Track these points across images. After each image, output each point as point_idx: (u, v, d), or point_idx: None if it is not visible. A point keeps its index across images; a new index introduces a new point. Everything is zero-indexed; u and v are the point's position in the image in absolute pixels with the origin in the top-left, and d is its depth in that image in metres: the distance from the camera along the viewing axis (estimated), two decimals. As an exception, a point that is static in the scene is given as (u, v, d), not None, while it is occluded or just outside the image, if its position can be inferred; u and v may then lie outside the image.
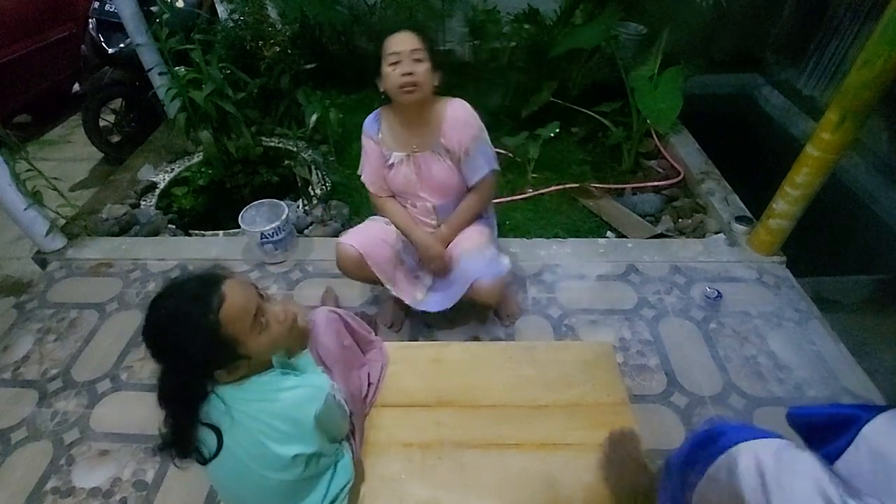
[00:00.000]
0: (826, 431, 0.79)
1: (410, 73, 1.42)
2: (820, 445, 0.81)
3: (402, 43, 1.42)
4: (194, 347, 0.85)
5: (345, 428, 1.17)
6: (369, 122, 1.64)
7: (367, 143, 1.65)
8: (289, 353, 1.07)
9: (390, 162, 1.62)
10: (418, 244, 1.63)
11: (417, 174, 1.61)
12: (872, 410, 0.73)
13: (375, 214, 1.75)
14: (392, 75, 1.44)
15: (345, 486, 1.13)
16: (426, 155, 1.59)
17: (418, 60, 1.43)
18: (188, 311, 0.86)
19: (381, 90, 1.54)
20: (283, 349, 1.03)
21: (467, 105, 1.58)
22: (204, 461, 0.94)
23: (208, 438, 0.92)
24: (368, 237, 1.62)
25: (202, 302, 0.86)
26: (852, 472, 0.70)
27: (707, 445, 0.79)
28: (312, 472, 1.04)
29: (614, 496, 1.16)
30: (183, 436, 0.92)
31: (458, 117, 1.56)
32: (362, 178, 1.69)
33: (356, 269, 1.62)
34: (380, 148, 1.63)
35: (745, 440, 0.74)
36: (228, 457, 0.93)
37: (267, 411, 0.94)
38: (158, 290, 0.91)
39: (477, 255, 1.59)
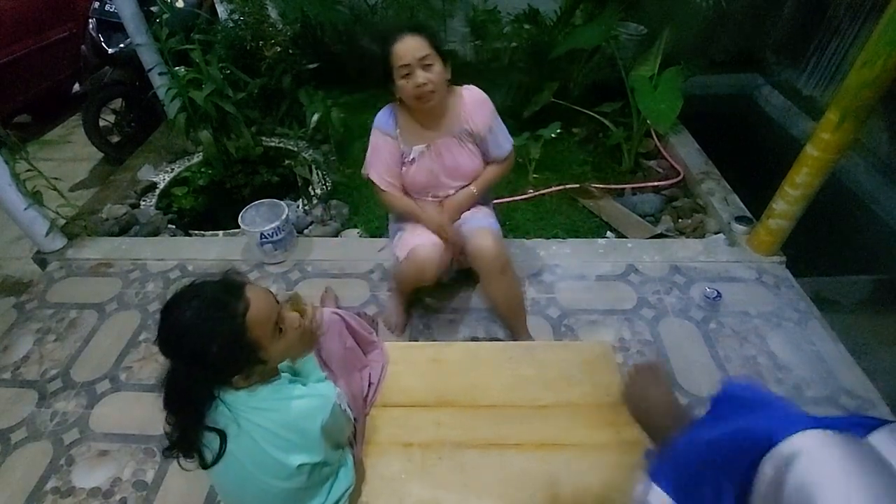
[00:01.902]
0: None
1: (425, 83, 1.40)
2: None
3: (410, 52, 1.38)
4: (217, 351, 0.85)
5: (348, 433, 1.17)
6: (384, 118, 1.59)
7: (379, 139, 1.60)
8: (294, 356, 1.07)
9: (411, 157, 1.61)
10: (428, 223, 1.63)
11: (439, 162, 1.61)
12: (867, 425, 0.70)
13: (376, 213, 1.75)
14: (406, 87, 1.42)
15: (346, 491, 1.14)
16: (447, 140, 1.60)
17: (429, 65, 1.40)
18: (212, 315, 0.85)
19: (397, 97, 1.52)
20: (294, 354, 1.04)
21: (477, 88, 1.61)
22: (206, 466, 0.93)
23: (212, 442, 0.92)
24: (425, 235, 1.61)
25: (228, 306, 0.86)
26: None
27: (742, 446, 0.66)
28: (316, 479, 1.04)
29: (633, 412, 1.01)
30: (187, 438, 0.92)
31: (476, 98, 1.59)
32: (369, 174, 1.64)
33: (430, 269, 1.56)
34: (397, 144, 1.59)
35: (786, 434, 0.61)
36: (233, 463, 0.93)
37: (274, 421, 0.94)
38: (174, 294, 0.90)
39: (477, 215, 1.69)
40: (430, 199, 1.70)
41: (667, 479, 0.78)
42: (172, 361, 0.89)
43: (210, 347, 0.84)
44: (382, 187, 1.64)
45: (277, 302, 0.96)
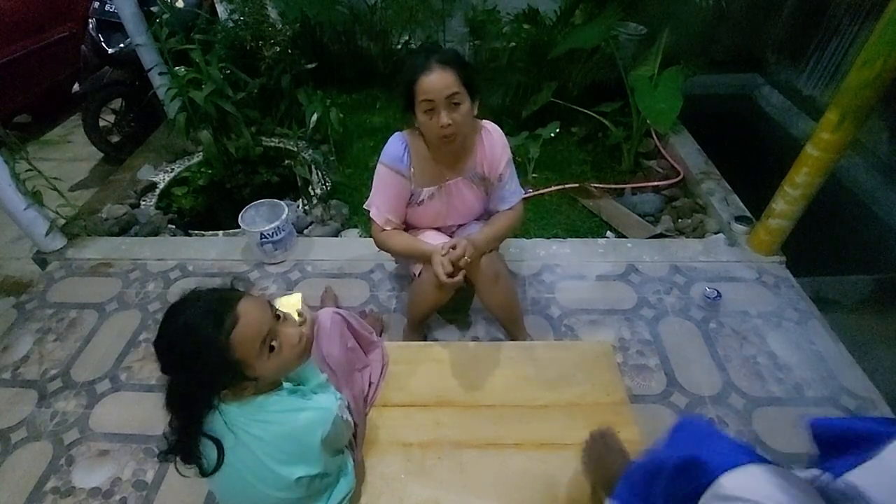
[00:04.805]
0: (846, 444, 0.78)
1: (449, 125, 1.27)
2: (833, 456, 0.81)
3: (437, 87, 1.24)
4: (202, 365, 0.84)
5: (348, 438, 1.17)
6: (395, 153, 1.43)
7: (389, 176, 1.45)
8: (292, 369, 1.06)
9: (420, 199, 1.51)
10: (432, 255, 1.40)
11: (449, 204, 1.54)
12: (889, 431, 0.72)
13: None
14: (429, 124, 1.30)
15: (345, 496, 1.13)
16: (458, 182, 1.51)
17: (457, 104, 1.26)
18: (201, 327, 0.84)
19: (416, 125, 1.39)
20: (293, 370, 1.02)
21: (498, 128, 1.50)
22: (204, 474, 0.93)
23: (210, 452, 0.91)
24: (438, 238, 1.53)
25: (216, 320, 0.85)
26: (868, 483, 0.70)
27: (688, 472, 0.76)
28: (316, 489, 1.04)
29: (594, 480, 1.22)
30: (185, 444, 0.91)
31: (495, 144, 1.47)
32: (370, 211, 1.51)
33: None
34: (409, 184, 1.47)
35: (724, 468, 0.71)
36: (231, 472, 0.92)
37: (273, 433, 0.93)
38: (178, 299, 0.89)
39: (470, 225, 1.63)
40: (430, 230, 1.61)
41: (622, 495, 0.91)
42: (163, 368, 0.87)
43: (194, 361, 0.83)
44: (382, 226, 1.51)
45: (278, 317, 0.93)
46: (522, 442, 1.36)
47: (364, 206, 1.57)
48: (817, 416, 0.86)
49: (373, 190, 1.51)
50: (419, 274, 1.57)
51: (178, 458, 0.92)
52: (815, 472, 0.79)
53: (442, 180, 1.50)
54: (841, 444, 0.80)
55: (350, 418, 1.12)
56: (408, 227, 1.64)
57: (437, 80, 1.24)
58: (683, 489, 0.76)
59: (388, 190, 1.48)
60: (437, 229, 1.64)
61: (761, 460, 0.72)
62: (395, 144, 1.45)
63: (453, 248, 1.37)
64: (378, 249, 1.62)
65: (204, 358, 0.84)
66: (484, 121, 1.50)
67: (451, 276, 1.35)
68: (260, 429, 0.92)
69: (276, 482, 0.95)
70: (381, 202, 1.50)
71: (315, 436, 0.95)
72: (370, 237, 2.31)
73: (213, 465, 0.91)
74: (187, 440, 0.90)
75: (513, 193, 1.55)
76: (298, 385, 1.08)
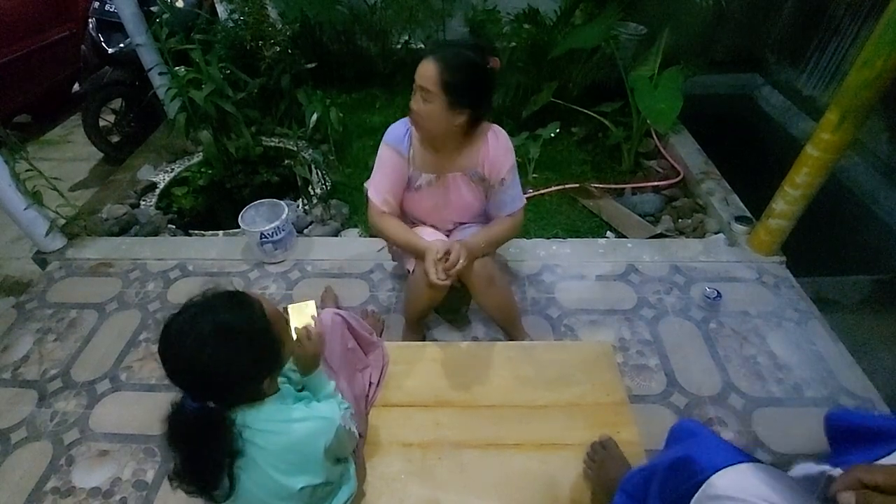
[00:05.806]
0: (860, 439, 0.79)
1: (416, 111, 1.36)
2: (846, 451, 0.81)
3: (421, 73, 1.32)
4: (255, 351, 0.84)
5: (352, 448, 1.16)
6: (398, 134, 1.48)
7: (389, 155, 1.48)
8: (303, 369, 1.06)
9: (418, 184, 1.53)
10: (425, 253, 1.42)
11: (445, 197, 1.55)
12: None
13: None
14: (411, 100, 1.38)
15: (347, 501, 1.13)
16: (457, 176, 1.52)
17: (426, 101, 1.32)
18: (239, 318, 0.84)
19: None
20: (300, 362, 1.03)
21: (505, 133, 1.51)
22: (216, 501, 0.92)
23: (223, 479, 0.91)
24: (433, 235, 1.56)
25: (246, 307, 0.86)
26: None
27: (680, 471, 0.79)
28: (319, 496, 1.04)
29: (596, 487, 1.26)
30: (210, 475, 0.89)
31: (500, 147, 1.48)
32: (369, 191, 1.53)
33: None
34: (407, 166, 1.49)
35: (715, 468, 0.74)
36: (233, 480, 0.92)
37: (275, 443, 0.92)
38: (171, 327, 0.85)
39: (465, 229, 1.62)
40: (427, 227, 1.63)
41: (619, 501, 0.97)
42: (199, 390, 0.85)
43: (248, 350, 0.84)
44: (381, 207, 1.52)
45: None
46: (522, 442, 1.36)
47: (364, 185, 1.59)
48: (833, 410, 0.87)
49: (373, 170, 1.54)
50: (412, 271, 1.57)
51: (202, 493, 0.90)
52: (825, 466, 0.79)
53: (440, 171, 1.52)
54: (856, 438, 0.80)
55: (355, 430, 1.10)
56: (405, 217, 1.64)
57: (423, 68, 1.31)
58: (676, 489, 0.78)
59: (387, 169, 1.50)
60: (434, 227, 1.64)
61: (752, 460, 0.74)
62: (399, 127, 1.50)
63: (448, 252, 1.38)
64: (373, 233, 1.64)
65: (255, 341, 0.85)
66: (493, 124, 1.51)
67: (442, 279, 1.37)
68: (262, 438, 0.91)
69: (279, 492, 0.94)
70: (379, 181, 1.52)
71: (317, 446, 0.95)
72: (371, 237, 2.33)
73: (227, 493, 0.90)
74: (211, 471, 0.88)
75: (514, 200, 1.54)
76: (302, 391, 1.08)
